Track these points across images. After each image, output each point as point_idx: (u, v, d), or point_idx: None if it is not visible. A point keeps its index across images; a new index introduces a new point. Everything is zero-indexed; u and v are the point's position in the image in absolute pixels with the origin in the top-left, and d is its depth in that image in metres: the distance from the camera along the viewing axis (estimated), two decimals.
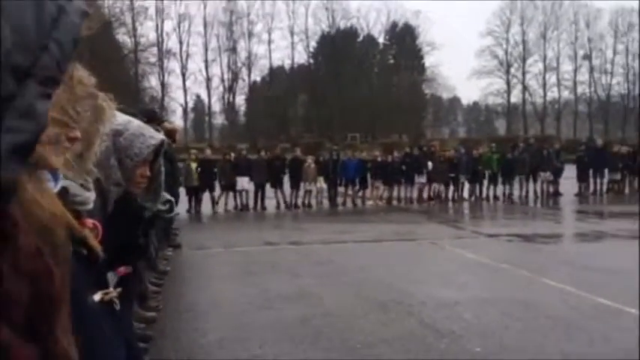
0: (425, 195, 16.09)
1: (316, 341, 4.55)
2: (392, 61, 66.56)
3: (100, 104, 1.13)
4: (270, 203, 14.93)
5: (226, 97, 62.82)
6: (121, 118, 1.74)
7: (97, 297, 0.97)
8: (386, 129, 61.09)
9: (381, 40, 67.15)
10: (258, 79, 66.11)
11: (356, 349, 4.38)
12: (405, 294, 6.06)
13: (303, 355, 4.27)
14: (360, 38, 65.88)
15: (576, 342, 4.49)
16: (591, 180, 17.05)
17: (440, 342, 4.53)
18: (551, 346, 4.39)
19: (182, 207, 13.21)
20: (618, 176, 17.18)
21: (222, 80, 61.88)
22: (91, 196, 1.22)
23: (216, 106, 64.52)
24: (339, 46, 60.22)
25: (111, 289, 1.03)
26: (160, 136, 1.90)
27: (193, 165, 14.05)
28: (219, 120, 66.92)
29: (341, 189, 15.91)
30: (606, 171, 17.08)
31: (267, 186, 14.90)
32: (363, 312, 5.40)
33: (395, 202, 15.92)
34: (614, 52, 63.65)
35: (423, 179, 15.95)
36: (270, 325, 5.02)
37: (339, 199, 15.72)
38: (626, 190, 17.34)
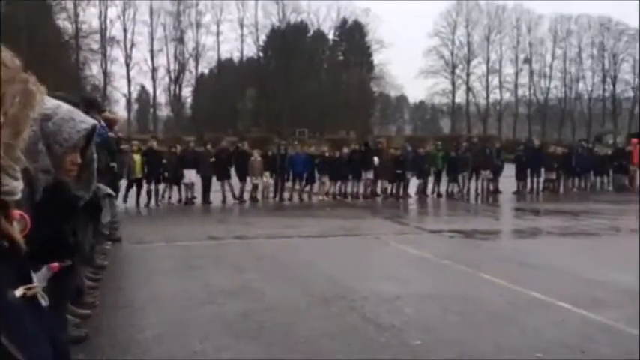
0: (371, 191, 16.27)
1: (258, 336, 4.52)
2: (341, 58, 66.96)
3: (29, 88, 1.07)
4: (216, 197, 14.73)
5: (172, 88, 61.51)
6: (50, 103, 1.65)
7: (18, 292, 0.91)
8: (334, 125, 61.41)
9: (330, 36, 67.40)
10: (206, 71, 65.05)
11: (298, 343, 4.37)
12: (348, 289, 6.10)
13: (245, 349, 4.23)
14: (310, 33, 65.90)
15: (510, 334, 4.65)
16: (529, 179, 17.71)
17: (381, 335, 4.59)
18: (486, 339, 4.52)
19: (125, 200, 12.86)
20: (554, 176, 17.91)
21: (169, 71, 60.54)
22: (19, 185, 1.15)
23: (162, 98, 63.04)
24: (288, 41, 60.03)
25: (35, 283, 0.97)
26: (92, 121, 1.82)
27: (136, 157, 13.68)
28: (164, 112, 65.35)
29: (288, 184, 15.89)
30: (542, 171, 17.79)
31: (214, 180, 14.70)
32: (306, 307, 5.41)
33: (341, 198, 16.03)
34: (553, 57, 66.36)
35: (369, 175, 16.13)
36: (211, 320, 4.95)
37: (286, 194, 15.69)
38: (561, 190, 18.10)
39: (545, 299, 5.64)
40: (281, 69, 59.67)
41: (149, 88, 61.80)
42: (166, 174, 14.30)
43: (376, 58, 66.74)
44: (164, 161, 14.23)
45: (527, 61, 65.75)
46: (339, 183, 16.21)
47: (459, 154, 17.22)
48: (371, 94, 66.44)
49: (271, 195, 15.55)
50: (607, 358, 4.07)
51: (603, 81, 65.83)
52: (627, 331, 4.66)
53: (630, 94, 65.89)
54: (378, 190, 16.40)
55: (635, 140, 21.65)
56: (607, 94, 66.13)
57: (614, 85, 65.46)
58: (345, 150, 16.77)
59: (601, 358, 4.07)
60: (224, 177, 14.99)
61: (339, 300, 5.65)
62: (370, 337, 4.54)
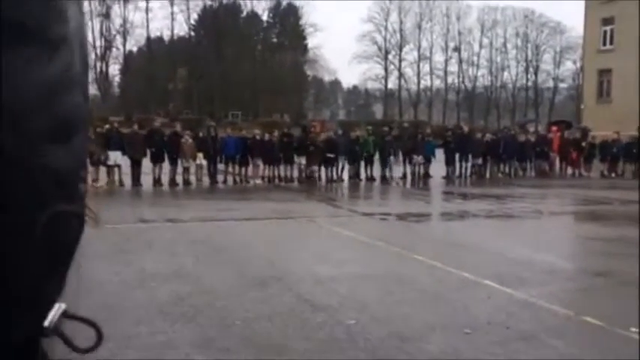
0: (304, 174, 16.32)
1: (193, 319, 4.44)
2: (275, 40, 66.34)
3: None
4: (147, 179, 14.31)
5: (98, 65, 58.87)
6: None
7: None
8: (268, 108, 60.95)
9: (264, 17, 66.58)
10: (135, 49, 62.69)
11: (234, 326, 4.33)
12: (284, 271, 6.11)
13: (180, 333, 4.15)
14: (244, 14, 64.78)
15: (440, 312, 4.82)
16: (457, 164, 18.33)
17: (317, 316, 4.63)
18: (418, 317, 4.66)
19: None
20: (480, 161, 18.63)
21: (94, 48, 57.83)
22: None
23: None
24: (221, 21, 58.76)
25: None
26: None
27: None
28: (90, 90, 62.52)
29: (221, 166, 15.66)
30: (470, 156, 18.46)
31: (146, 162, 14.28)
32: (242, 289, 5.36)
33: (276, 181, 15.99)
34: (481, 46, 68.70)
35: (303, 159, 16.16)
36: (143, 304, 4.82)
37: (220, 177, 15.46)
38: (487, 174, 18.85)
39: (473, 278, 5.87)
40: (213, 49, 58.41)
41: None
42: (92, 156, 13.71)
43: (310, 42, 66.65)
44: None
45: (457, 49, 67.75)
46: (273, 166, 16.15)
47: (390, 138, 17.55)
48: (305, 77, 66.39)
49: (205, 178, 15.27)
50: (530, 334, 4.29)
51: (526, 71, 68.92)
52: (548, 308, 4.93)
53: (551, 84, 69.41)
54: (311, 173, 16.46)
55: (555, 128, 22.88)
56: (530, 83, 69.31)
57: (536, 75, 68.71)
58: (276, 133, 16.70)
59: (524, 334, 4.29)
60: (158, 159, 14.59)
61: (275, 282, 5.64)
62: (306, 318, 4.57)
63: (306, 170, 16.40)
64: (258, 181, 15.71)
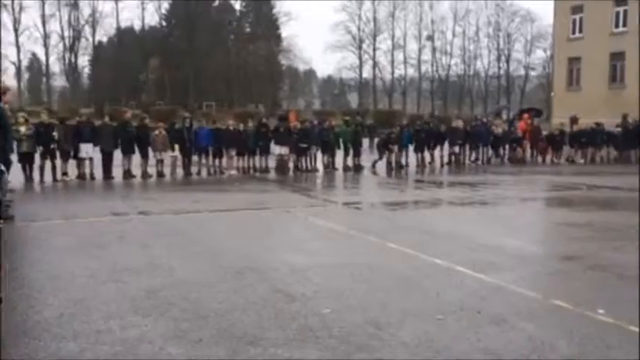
0: (284, 164, 16.25)
1: (166, 312, 4.41)
2: (248, 30, 65.76)
3: None
4: (119, 172, 14.10)
5: (67, 56, 57.63)
6: None
7: None
8: (242, 98, 60.51)
9: (237, 7, 65.90)
10: (104, 39, 61.52)
11: (208, 317, 4.31)
12: (259, 261, 6.10)
13: (152, 326, 4.11)
14: (216, 4, 64.01)
15: (414, 299, 4.87)
16: (432, 152, 18.46)
17: (291, 305, 4.63)
18: (392, 304, 4.70)
19: (16, 176, 11.96)
20: (457, 149, 18.80)
21: (62, 38, 56.63)
22: None
23: (56, 67, 58.99)
24: (193, 10, 57.93)
25: None
26: None
27: (22, 128, 12.73)
28: (59, 82, 61.35)
29: (196, 158, 15.52)
30: (446, 144, 18.62)
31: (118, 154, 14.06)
32: (216, 280, 5.34)
33: (251, 172, 15.91)
34: (453, 35, 69.21)
35: (283, 150, 16.08)
36: (115, 298, 4.76)
37: (194, 169, 15.33)
38: (466, 161, 19.02)
39: (446, 265, 5.94)
40: (185, 39, 57.66)
41: (41, 56, 57.53)
42: (62, 148, 13.46)
43: (284, 31, 66.36)
44: (54, 134, 13.33)
45: (430, 38, 68.12)
46: (247, 157, 16.04)
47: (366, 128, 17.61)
48: (279, 67, 66.04)
49: (180, 169, 15.10)
50: (500, 318, 4.37)
51: (498, 59, 69.72)
52: (519, 292, 5.03)
53: (522, 72, 70.37)
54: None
55: (526, 115, 23.21)
56: (502, 71, 70.14)
57: (507, 64, 69.58)
58: (251, 123, 16.59)
59: (495, 318, 4.36)
60: (129, 151, 14.38)
61: (249, 273, 5.63)
62: (281, 308, 4.58)
63: (284, 161, 16.25)
64: (233, 172, 15.61)
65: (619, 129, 20.39)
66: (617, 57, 32.63)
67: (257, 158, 16.17)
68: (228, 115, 33.73)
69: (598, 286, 5.34)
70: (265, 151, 16.16)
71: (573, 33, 35.21)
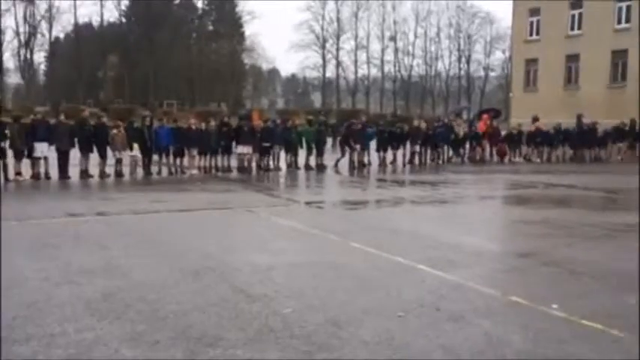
0: (246, 164, 16.12)
1: (122, 314, 4.31)
2: (211, 28, 65.08)
3: None
4: (76, 172, 13.74)
5: (22, 53, 55.85)
6: None
7: None
8: (205, 97, 59.83)
9: (199, 4, 65.10)
10: (62, 35, 59.88)
11: (166, 319, 4.24)
12: (220, 261, 6.04)
13: (108, 329, 4.02)
14: (177, 1, 63.10)
15: (375, 297, 4.90)
16: (394, 151, 18.63)
17: (252, 306, 4.60)
18: (354, 303, 4.72)
19: None
20: (418, 149, 19.03)
21: (17, 34, 54.85)
22: None
23: (10, 63, 57.08)
24: (153, 7, 56.92)
25: None
26: None
27: None
28: (13, 79, 59.41)
29: (156, 157, 15.25)
30: (408, 144, 18.82)
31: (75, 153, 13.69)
32: (175, 281, 5.25)
33: (213, 171, 15.74)
34: (415, 36, 70.07)
35: (247, 149, 15.96)
36: (70, 301, 4.62)
37: (154, 168, 15.06)
38: (427, 161, 19.26)
39: (407, 263, 6.01)
40: (146, 37, 56.61)
41: None
42: (15, 147, 13.02)
43: (247, 30, 65.88)
44: (7, 132, 12.88)
45: (393, 38, 68.80)
46: (209, 156, 15.86)
47: (329, 127, 17.64)
48: (242, 66, 65.59)
49: (139, 169, 14.81)
50: (459, 314, 4.44)
51: (459, 60, 70.96)
52: (477, 289, 5.12)
53: (482, 73, 71.82)
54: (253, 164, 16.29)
55: (485, 115, 23.69)
56: (462, 72, 71.41)
57: (468, 65, 70.87)
58: (213, 122, 16.41)
59: (453, 314, 4.43)
60: (86, 150, 14.03)
61: (210, 273, 5.57)
62: (241, 308, 4.53)
63: (248, 161, 16.12)
64: (195, 172, 15.41)
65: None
66: (572, 59, 33.65)
67: (219, 158, 16.00)
68: (190, 114, 33.33)
69: (552, 282, 5.48)
70: (227, 151, 16.01)
71: (530, 35, 36.13)
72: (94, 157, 14.24)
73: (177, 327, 4.09)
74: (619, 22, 31.27)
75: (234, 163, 16.18)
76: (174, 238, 7.38)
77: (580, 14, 33.11)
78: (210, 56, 61.30)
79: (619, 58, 31.38)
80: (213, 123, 16.40)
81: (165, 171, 15.23)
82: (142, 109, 31.93)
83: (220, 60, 60.80)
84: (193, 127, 15.79)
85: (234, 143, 16.07)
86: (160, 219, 8.84)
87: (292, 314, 4.42)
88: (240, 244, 7.14)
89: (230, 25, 64.07)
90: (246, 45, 65.44)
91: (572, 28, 33.57)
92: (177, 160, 15.56)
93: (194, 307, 4.51)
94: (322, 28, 67.14)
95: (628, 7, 30.81)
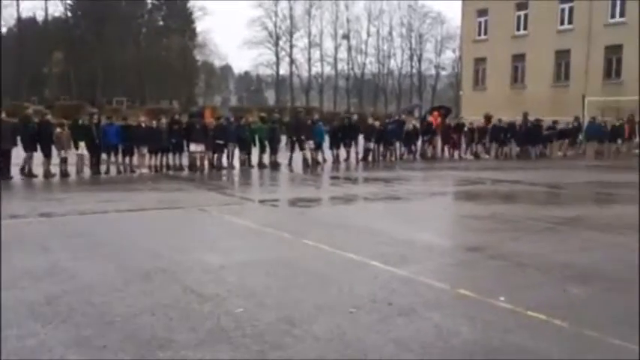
0: (198, 162, 15.89)
1: (68, 318, 4.18)
2: (161, 23, 63.78)
3: None
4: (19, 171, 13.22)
5: None
6: None
7: None
8: (155, 94, 58.65)
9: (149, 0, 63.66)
10: (4, 30, 57.39)
11: (114, 322, 4.13)
12: (171, 262, 5.93)
13: (53, 335, 3.88)
14: None
15: (328, 294, 4.92)
16: (346, 148, 18.75)
17: (204, 306, 4.54)
18: (306, 300, 4.73)
19: None
20: (372, 146, 19.20)
21: None
22: None
23: None
24: (100, 1, 55.26)
25: None
26: None
27: None
28: None
29: (104, 156, 14.84)
30: (361, 141, 18.97)
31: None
32: (124, 283, 5.13)
33: (164, 170, 15.45)
34: (368, 34, 70.67)
35: (200, 148, 15.73)
36: (12, 306, 4.44)
37: (103, 167, 14.65)
38: (378, 158, 19.45)
39: (359, 259, 6.06)
40: (93, 32, 54.94)
41: None
42: None
43: (199, 26, 64.89)
44: None
45: (346, 36, 69.16)
46: (160, 154, 15.55)
47: (281, 125, 17.59)
48: (194, 62, 64.59)
49: (87, 168, 14.37)
50: (410, 308, 4.51)
51: (411, 59, 72.00)
52: (427, 283, 5.22)
53: (433, 71, 73.13)
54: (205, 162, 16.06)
55: (436, 113, 24.15)
56: (414, 71, 72.52)
57: (420, 63, 72.01)
58: (164, 120, 16.09)
59: (404, 309, 4.50)
60: (30, 149, 13.52)
61: (160, 274, 5.46)
62: (192, 309, 4.47)
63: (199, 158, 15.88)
64: (145, 171, 15.07)
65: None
66: (519, 59, 34.73)
67: (170, 156, 15.70)
68: (140, 111, 32.58)
69: (499, 274, 5.65)
70: (179, 149, 15.73)
71: (479, 35, 37.06)
72: (38, 155, 13.73)
73: (126, 330, 3.99)
74: (562, 23, 32.47)
75: (185, 161, 15.92)
76: (122, 238, 7.20)
77: (526, 15, 34.19)
78: (161, 52, 60.09)
79: (562, 58, 32.60)
80: (164, 120, 16.08)
81: (113, 170, 14.84)
82: (90, 106, 30.99)
83: (171, 56, 59.68)
84: (143, 124, 15.44)
85: (185, 141, 15.80)
86: (108, 219, 8.61)
87: (244, 313, 4.39)
88: (191, 243, 7.03)
89: (181, 21, 62.96)
90: (198, 41, 64.52)
91: (518, 29, 34.64)
92: (127, 159, 15.18)
93: (143, 309, 4.42)
94: (275, 25, 66.88)
95: (570, 9, 32.03)
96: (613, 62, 30.51)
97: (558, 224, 8.16)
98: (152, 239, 7.15)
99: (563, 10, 32.39)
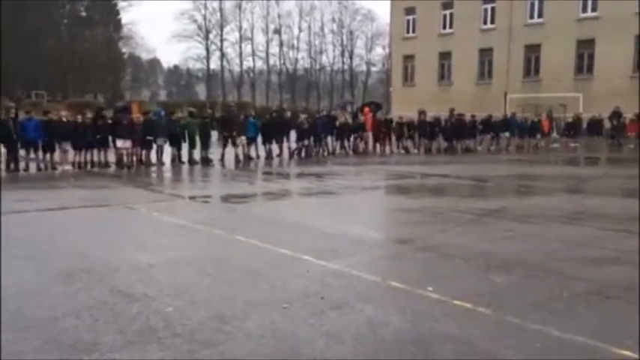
0: (125, 158, 15.35)
1: None
2: (84, 14, 61.06)
3: None
4: None
5: None
6: None
7: None
8: (79, 88, 56.18)
9: None
10: None
11: (32, 327, 3.92)
12: (97, 262, 5.71)
13: None
14: None
15: (260, 290, 4.89)
16: (280, 144, 18.70)
17: (131, 307, 4.40)
18: (238, 297, 4.68)
19: None
20: (306, 142, 19.23)
21: None
22: None
23: None
24: None
25: None
26: None
27: None
28: None
29: (23, 153, 14.06)
30: (294, 137, 18.97)
31: None
32: (44, 286, 4.88)
33: (88, 167, 14.82)
34: (300, 30, 70.69)
35: (127, 144, 15.19)
36: None
37: (21, 164, 13.87)
38: (313, 153, 19.53)
39: (292, 254, 6.06)
40: (8, 21, 51.72)
41: None
42: None
43: (124, 17, 62.60)
44: None
45: (277, 31, 68.87)
46: (84, 150, 14.91)
47: (214, 119, 17.30)
48: (120, 55, 62.29)
49: (3, 166, 13.57)
50: (342, 301, 4.56)
51: (342, 55, 72.68)
52: (359, 276, 5.30)
53: (364, 68, 74.21)
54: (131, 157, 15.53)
55: (367, 109, 24.52)
56: (346, 67, 73.29)
57: (351, 59, 72.83)
58: (89, 115, 15.43)
59: (337, 302, 4.55)
60: None
61: (85, 275, 5.24)
62: (120, 310, 4.32)
63: (129, 154, 15.35)
64: (67, 168, 14.41)
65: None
66: (445, 56, 35.89)
67: (95, 152, 15.09)
68: (62, 105, 31.09)
69: (428, 266, 5.81)
70: (104, 145, 15.14)
71: (407, 32, 37.97)
72: None
73: (47, 334, 3.80)
74: (485, 22, 33.84)
75: (112, 158, 15.35)
76: (44, 239, 6.85)
77: (451, 14, 35.37)
78: (84, 44, 57.52)
79: (485, 56, 34.00)
80: (89, 115, 15.41)
81: (33, 167, 14.09)
82: (6, 100, 29.23)
83: (95, 48, 57.26)
84: (65, 119, 14.73)
85: (111, 137, 15.23)
86: (27, 219, 8.17)
87: (174, 312, 4.29)
88: (118, 242, 6.79)
89: (105, 12, 60.50)
90: (124, 33, 62.24)
91: (445, 27, 35.80)
92: (47, 155, 14.45)
93: (66, 313, 4.22)
94: (205, 19, 65.60)
95: (493, 9, 33.43)
96: (532, 61, 32.16)
97: (483, 216, 8.50)
98: (76, 239, 6.85)
99: (486, 10, 33.76)
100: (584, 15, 29.56)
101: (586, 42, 29.53)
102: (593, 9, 29.24)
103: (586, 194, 11.30)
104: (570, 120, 24.87)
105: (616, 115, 23.26)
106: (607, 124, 23.30)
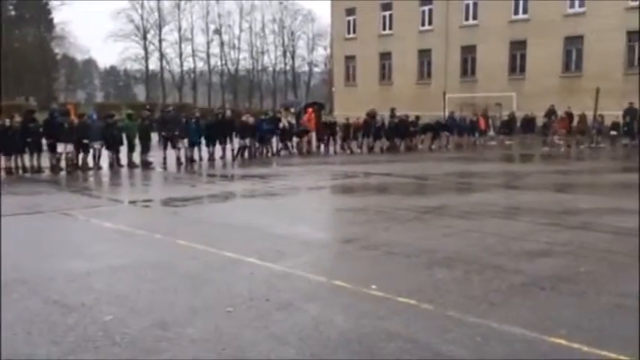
0: (61, 163, 14.72)
1: None
2: (13, 13, 58.27)
3: None
4: None
5: None
6: None
7: None
8: (10, 90, 53.52)
9: None
10: None
11: None
12: (30, 272, 5.46)
13: None
14: None
15: (204, 294, 4.81)
16: (223, 146, 18.45)
17: (68, 317, 4.23)
18: (181, 302, 4.58)
19: None
20: (248, 142, 19.05)
21: None
22: None
23: None
24: None
25: None
26: None
27: None
28: None
29: None
30: (236, 138, 18.76)
31: None
32: None
33: (20, 172, 14.14)
34: (241, 30, 70.08)
35: (69, 148, 14.57)
36: None
37: None
38: (257, 154, 19.37)
39: (236, 257, 6.00)
40: None
41: None
42: None
43: (56, 16, 60.18)
44: None
45: (217, 31, 67.98)
46: (14, 156, 14.20)
47: (151, 122, 16.88)
48: (53, 56, 59.83)
49: None
50: (287, 302, 4.55)
51: (284, 55, 72.57)
52: (304, 276, 5.30)
53: (306, 68, 74.39)
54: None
55: (310, 109, 24.58)
56: (288, 67, 73.22)
57: (293, 60, 72.82)
58: (18, 118, 14.71)
59: (282, 303, 4.53)
60: None
61: (18, 285, 5.01)
62: (55, 321, 4.15)
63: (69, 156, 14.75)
64: None
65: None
66: (385, 57, 36.47)
67: (27, 157, 14.40)
68: None
69: (372, 264, 5.88)
70: (36, 149, 14.47)
71: (348, 33, 38.34)
72: None
73: None
74: (423, 24, 34.62)
75: (45, 162, 14.70)
76: None
77: (390, 15, 35.99)
78: (14, 44, 54.88)
79: (424, 57, 34.79)
80: (17, 119, 14.69)
81: None
82: None
83: (26, 49, 54.77)
84: None
85: (48, 141, 14.58)
86: None
87: (114, 321, 4.15)
88: (54, 250, 6.52)
89: (35, 11, 57.95)
90: (56, 32, 59.82)
91: (384, 28, 36.38)
92: None
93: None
94: (142, 18, 63.92)
95: (430, 11, 34.24)
96: (469, 61, 33.15)
97: (424, 213, 8.69)
98: (7, 248, 6.50)
99: (423, 11, 34.54)
100: (516, 17, 30.73)
101: (518, 43, 30.72)
102: (524, 11, 30.44)
103: (521, 190, 11.75)
104: (506, 118, 25.79)
105: (551, 112, 24.38)
106: (540, 123, 24.29)
